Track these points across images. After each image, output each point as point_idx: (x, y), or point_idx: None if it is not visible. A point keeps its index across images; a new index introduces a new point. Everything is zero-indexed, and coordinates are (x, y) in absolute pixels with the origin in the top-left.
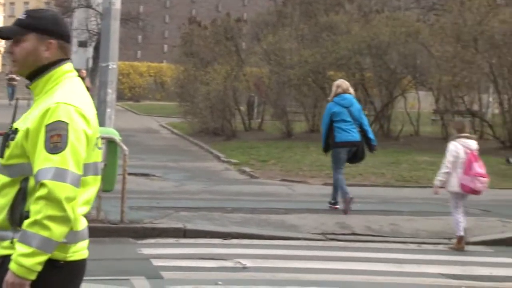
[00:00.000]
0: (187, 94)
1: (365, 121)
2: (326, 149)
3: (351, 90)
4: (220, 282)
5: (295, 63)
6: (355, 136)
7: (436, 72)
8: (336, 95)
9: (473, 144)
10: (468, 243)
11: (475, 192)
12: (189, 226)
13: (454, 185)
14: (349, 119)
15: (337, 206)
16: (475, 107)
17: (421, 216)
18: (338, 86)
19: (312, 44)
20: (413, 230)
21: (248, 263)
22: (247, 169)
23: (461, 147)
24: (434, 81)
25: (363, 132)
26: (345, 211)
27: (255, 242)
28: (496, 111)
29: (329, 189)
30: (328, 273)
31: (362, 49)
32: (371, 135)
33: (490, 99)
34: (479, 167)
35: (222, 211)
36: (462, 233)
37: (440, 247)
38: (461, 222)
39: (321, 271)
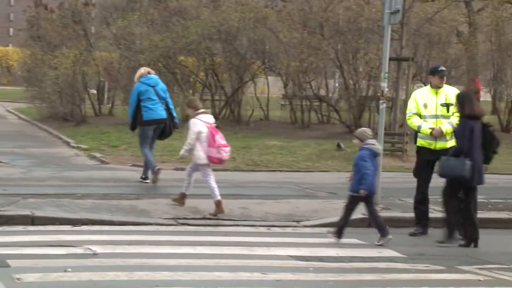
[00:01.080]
0: (34, 79)
1: (170, 100)
2: (133, 127)
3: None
4: (69, 269)
5: (145, 48)
6: (162, 113)
7: (284, 58)
8: (141, 76)
9: (211, 119)
10: (315, 226)
11: (222, 161)
12: (38, 213)
13: (201, 157)
14: (155, 97)
15: (147, 181)
16: (322, 92)
17: (271, 200)
18: (144, 69)
19: (162, 29)
20: (262, 213)
21: (98, 249)
22: (98, 154)
23: (202, 123)
24: (283, 67)
25: (168, 110)
26: (154, 181)
27: (105, 228)
28: (342, 96)
29: (181, 174)
30: (179, 257)
31: (212, 34)
32: (174, 113)
33: (336, 84)
34: (221, 139)
35: (71, 197)
36: (219, 198)
37: (289, 229)
38: (215, 188)
39: (172, 255)
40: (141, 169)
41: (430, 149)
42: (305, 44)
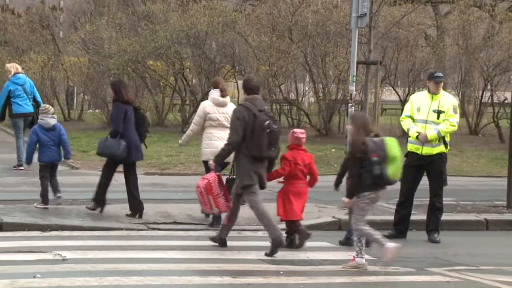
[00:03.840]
0: (2, 84)
1: (38, 94)
2: (1, 119)
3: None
4: (38, 275)
5: (114, 52)
6: (29, 108)
7: (253, 62)
8: (12, 76)
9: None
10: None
11: None
12: (6, 219)
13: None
14: (23, 94)
15: (21, 168)
16: (292, 96)
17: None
18: (15, 68)
19: (131, 33)
20: None
21: (68, 255)
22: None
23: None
24: (252, 71)
25: (37, 104)
26: (26, 168)
27: (75, 234)
28: (312, 99)
29: (151, 178)
30: (149, 262)
31: (181, 39)
32: (42, 103)
33: (306, 88)
34: None
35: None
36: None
37: (260, 233)
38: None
39: (142, 260)
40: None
41: (417, 154)
42: (274, 48)
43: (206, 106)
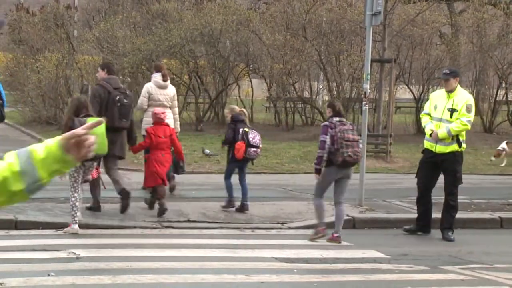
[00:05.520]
0: (17, 83)
1: (3, 92)
2: None
3: None
4: (52, 273)
5: (128, 51)
6: None
7: (267, 60)
8: None
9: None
10: (300, 227)
11: None
12: (21, 217)
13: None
14: None
15: None
16: (306, 94)
17: (255, 202)
18: None
19: (145, 32)
20: (247, 215)
21: (82, 253)
22: None
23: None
24: (266, 69)
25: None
26: None
27: (89, 232)
28: (326, 98)
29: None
30: (163, 260)
31: (195, 37)
32: (5, 104)
33: (320, 86)
34: None
35: (55, 202)
36: None
37: (273, 231)
38: None
39: (157, 258)
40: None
41: (431, 151)
42: (288, 46)
43: (149, 88)
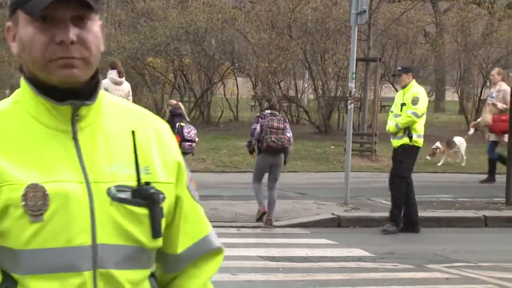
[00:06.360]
0: (0, 81)
1: None
2: None
3: None
4: None
5: (113, 49)
6: None
7: (253, 59)
8: None
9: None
10: (285, 226)
11: None
12: None
13: None
14: None
15: None
16: (292, 93)
17: (241, 201)
18: None
19: (130, 30)
20: (232, 214)
21: None
22: None
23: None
24: (252, 68)
25: None
26: None
27: None
28: (311, 96)
29: None
30: None
31: (180, 35)
32: None
33: (306, 85)
34: None
35: None
36: None
37: (259, 230)
38: None
39: None
40: None
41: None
42: (273, 45)
43: (105, 84)
